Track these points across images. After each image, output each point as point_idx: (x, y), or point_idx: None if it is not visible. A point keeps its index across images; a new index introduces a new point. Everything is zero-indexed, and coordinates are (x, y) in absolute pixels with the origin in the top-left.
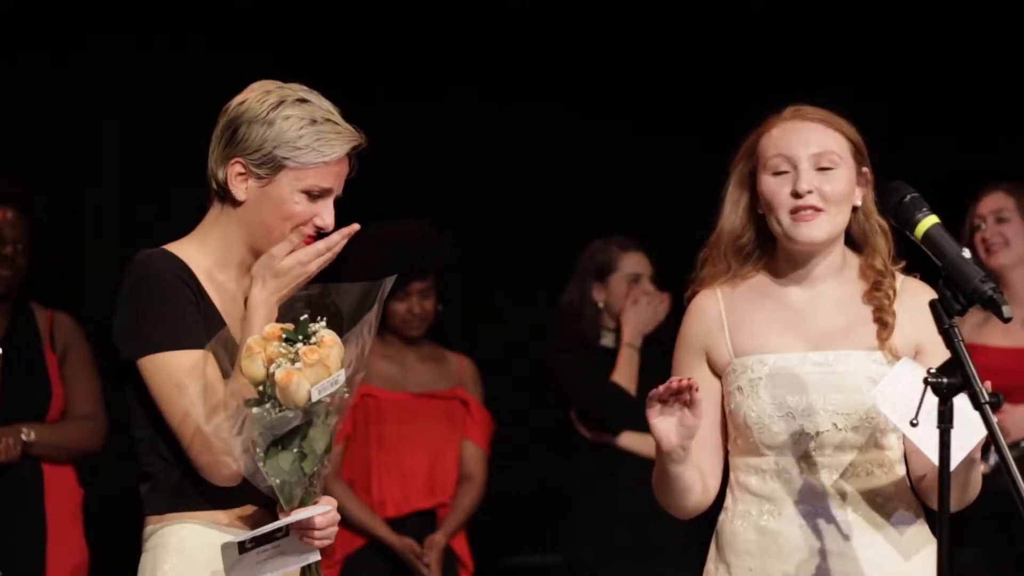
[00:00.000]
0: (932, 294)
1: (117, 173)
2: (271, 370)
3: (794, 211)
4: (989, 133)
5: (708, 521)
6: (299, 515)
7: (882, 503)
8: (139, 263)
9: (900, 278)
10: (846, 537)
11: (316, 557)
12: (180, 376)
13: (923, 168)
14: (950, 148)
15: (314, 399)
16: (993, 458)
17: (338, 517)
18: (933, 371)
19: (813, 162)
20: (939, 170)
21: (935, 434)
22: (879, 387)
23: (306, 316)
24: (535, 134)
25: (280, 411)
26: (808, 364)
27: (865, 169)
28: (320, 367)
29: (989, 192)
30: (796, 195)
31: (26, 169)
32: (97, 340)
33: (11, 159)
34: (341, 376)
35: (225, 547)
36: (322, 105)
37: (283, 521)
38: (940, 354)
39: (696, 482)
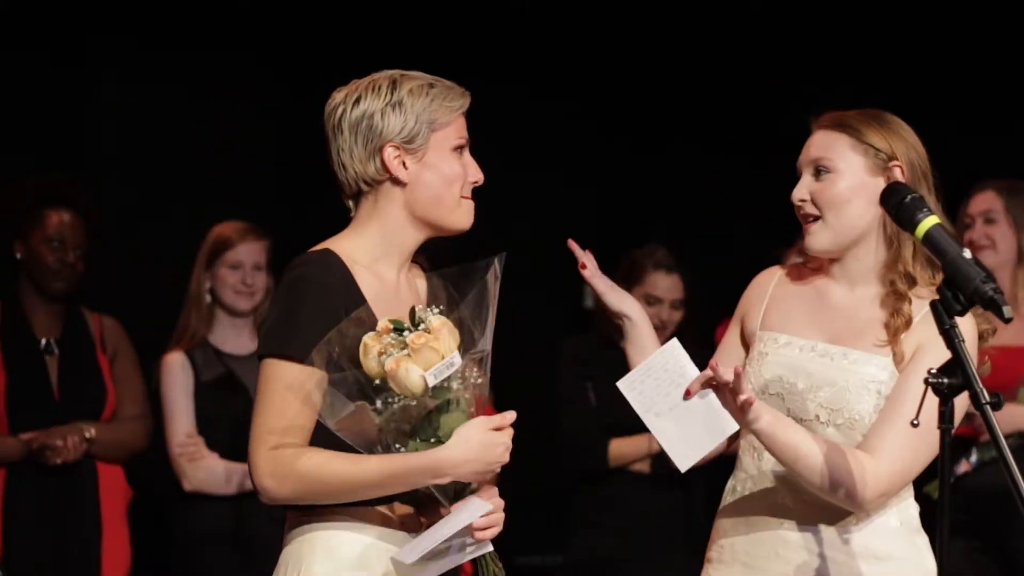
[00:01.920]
0: (968, 319)
1: (117, 173)
2: (382, 361)
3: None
4: (988, 137)
5: (708, 523)
6: (456, 517)
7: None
8: (297, 264)
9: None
10: (814, 530)
11: (488, 548)
12: (288, 388)
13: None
14: (952, 147)
15: (431, 384)
16: (975, 457)
17: (500, 507)
18: (934, 371)
19: (811, 169)
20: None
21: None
22: (628, 376)
23: (419, 306)
24: (535, 134)
25: (397, 401)
26: (814, 352)
27: (894, 165)
28: (428, 351)
29: (980, 191)
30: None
31: (26, 169)
32: None
33: (11, 159)
34: (456, 358)
35: (394, 560)
36: (420, 74)
37: (443, 529)
38: (928, 356)
39: None
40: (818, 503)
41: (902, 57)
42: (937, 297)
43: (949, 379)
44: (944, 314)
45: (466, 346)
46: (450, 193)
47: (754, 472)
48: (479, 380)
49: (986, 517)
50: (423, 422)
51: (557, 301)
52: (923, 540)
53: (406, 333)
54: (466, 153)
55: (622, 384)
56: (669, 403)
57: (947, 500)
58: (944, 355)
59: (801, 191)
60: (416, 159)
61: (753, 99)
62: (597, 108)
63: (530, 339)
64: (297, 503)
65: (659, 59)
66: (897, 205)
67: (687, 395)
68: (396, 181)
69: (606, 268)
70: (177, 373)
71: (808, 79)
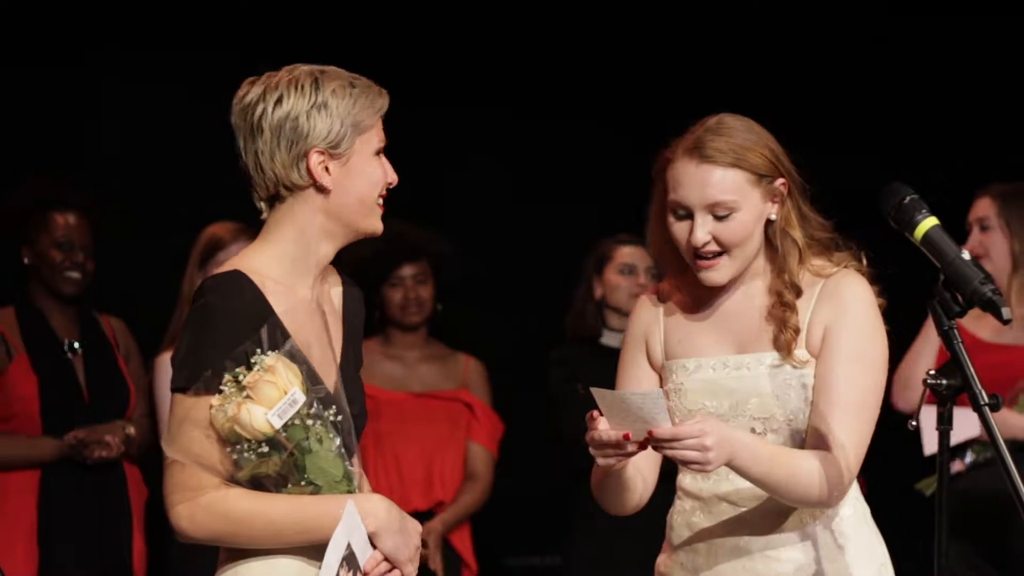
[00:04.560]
0: (864, 285)
1: (117, 173)
2: (224, 411)
3: (696, 256)
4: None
5: None
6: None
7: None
8: (203, 290)
9: (841, 273)
10: (772, 535)
11: None
12: (195, 424)
13: (934, 165)
14: (956, 149)
15: (277, 425)
16: (969, 457)
17: (398, 551)
18: (933, 372)
19: (708, 210)
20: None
21: None
22: (605, 391)
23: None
24: (536, 137)
25: (252, 450)
26: (727, 368)
27: (780, 181)
28: (266, 386)
29: (979, 196)
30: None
31: (26, 170)
32: None
33: (11, 159)
34: (297, 394)
35: None
36: (340, 70)
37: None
38: (843, 336)
39: (635, 479)
40: (774, 509)
41: (902, 59)
42: (835, 270)
43: (948, 380)
44: (943, 316)
45: (313, 380)
46: (371, 198)
47: (696, 491)
48: (338, 418)
49: (981, 519)
50: (289, 467)
51: (554, 301)
52: (872, 528)
53: (241, 377)
54: (384, 160)
55: (596, 392)
56: (627, 429)
57: (945, 501)
58: (856, 329)
59: (703, 235)
60: (340, 164)
61: (751, 103)
62: (596, 109)
63: (526, 339)
64: (215, 544)
65: (658, 60)
66: (896, 207)
67: (643, 443)
68: (319, 188)
69: None
70: (169, 373)
71: (804, 80)
